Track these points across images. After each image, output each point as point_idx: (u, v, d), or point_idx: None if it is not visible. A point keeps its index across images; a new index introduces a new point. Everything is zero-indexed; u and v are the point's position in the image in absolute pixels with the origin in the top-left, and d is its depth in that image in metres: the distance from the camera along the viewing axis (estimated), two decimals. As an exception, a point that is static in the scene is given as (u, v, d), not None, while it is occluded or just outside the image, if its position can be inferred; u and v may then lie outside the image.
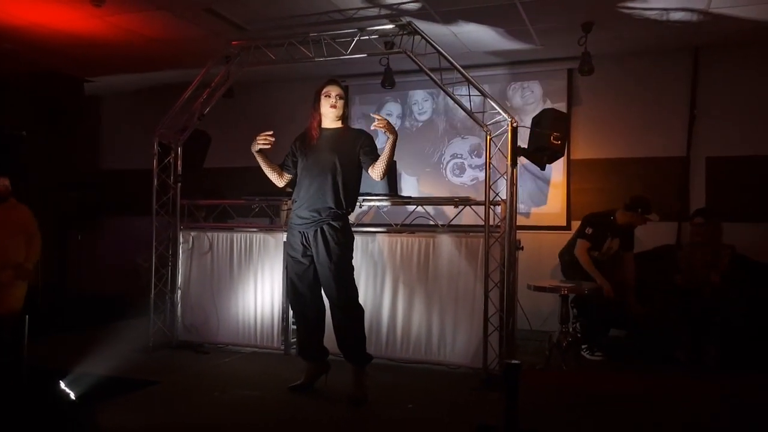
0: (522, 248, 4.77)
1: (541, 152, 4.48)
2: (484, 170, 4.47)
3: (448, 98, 4.54)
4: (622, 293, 5.01)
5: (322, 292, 3.73)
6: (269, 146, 3.72)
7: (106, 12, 5.05)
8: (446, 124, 6.63)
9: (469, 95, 4.35)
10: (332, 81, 3.77)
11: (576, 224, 6.16)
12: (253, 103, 7.13)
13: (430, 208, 4.75)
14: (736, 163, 5.74)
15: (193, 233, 5.18)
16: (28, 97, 7.03)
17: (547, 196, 6.29)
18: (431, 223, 4.65)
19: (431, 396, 3.82)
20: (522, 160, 4.93)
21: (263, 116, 7.00)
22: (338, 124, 3.77)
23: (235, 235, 5.04)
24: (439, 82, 4.38)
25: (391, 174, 4.86)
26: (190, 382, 4.08)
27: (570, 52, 5.65)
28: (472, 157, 6.53)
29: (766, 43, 5.58)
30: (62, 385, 3.66)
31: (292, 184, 3.88)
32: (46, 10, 5.08)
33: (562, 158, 5.32)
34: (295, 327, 4.31)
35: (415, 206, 4.69)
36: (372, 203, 4.75)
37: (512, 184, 4.23)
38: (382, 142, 3.68)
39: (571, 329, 4.69)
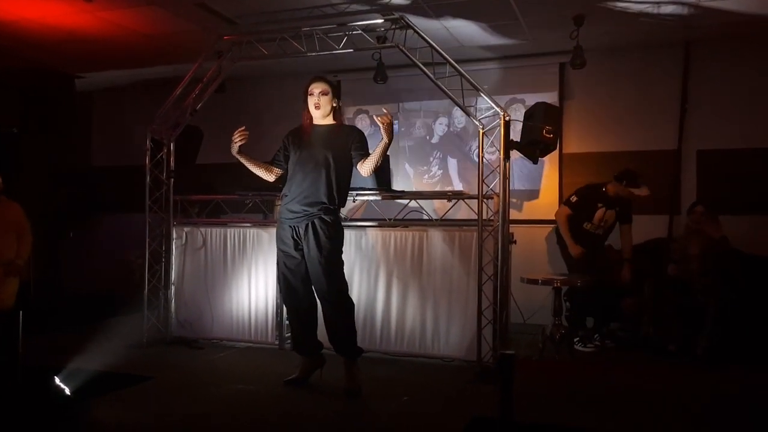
0: (515, 242, 4.80)
1: (533, 146, 4.51)
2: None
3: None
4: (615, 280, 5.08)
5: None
6: (245, 140, 3.71)
7: (97, 7, 5.02)
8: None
9: (462, 89, 4.35)
10: (316, 78, 3.75)
11: (569, 218, 6.19)
12: (246, 98, 7.11)
13: (423, 202, 4.76)
14: (727, 156, 5.77)
15: (186, 229, 5.17)
16: (19, 94, 6.98)
17: (540, 190, 6.31)
18: (425, 217, 4.67)
19: (426, 389, 3.84)
20: (515, 154, 4.94)
21: (256, 111, 7.00)
22: (330, 120, 3.77)
23: (228, 230, 5.04)
24: (431, 77, 4.38)
25: (384, 168, 4.86)
26: (185, 377, 4.08)
27: (562, 46, 5.66)
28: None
29: (756, 37, 5.61)
30: (57, 381, 3.66)
31: (283, 178, 3.88)
32: (37, 6, 5.04)
33: (554, 152, 5.36)
34: (288, 322, 4.32)
35: (408, 200, 4.69)
36: (365, 197, 4.75)
37: (505, 178, 4.25)
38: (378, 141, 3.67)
39: (564, 322, 4.73)
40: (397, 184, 6.52)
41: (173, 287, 5.16)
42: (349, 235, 4.61)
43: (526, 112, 4.55)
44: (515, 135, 4.79)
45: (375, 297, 4.57)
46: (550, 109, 4.48)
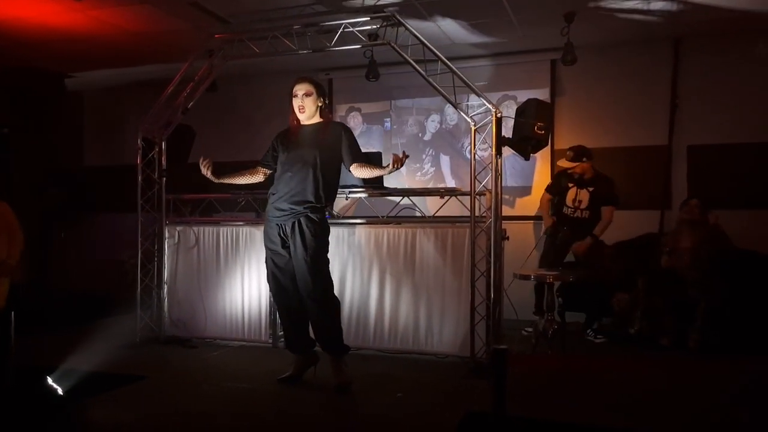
0: (507, 238, 4.81)
1: (525, 142, 4.52)
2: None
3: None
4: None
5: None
6: (210, 165, 3.87)
7: (86, 5, 4.99)
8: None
9: (453, 86, 4.36)
10: (299, 79, 3.74)
11: (561, 214, 6.22)
12: (238, 96, 7.09)
13: (416, 200, 4.77)
14: (717, 151, 5.81)
15: (178, 228, 5.16)
16: (9, 93, 6.94)
17: (532, 187, 6.33)
18: (417, 214, 4.67)
19: (420, 385, 3.85)
20: (507, 151, 4.96)
21: (248, 110, 6.98)
22: (317, 119, 3.77)
23: (221, 229, 5.03)
24: (423, 74, 4.39)
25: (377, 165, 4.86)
26: (178, 376, 4.07)
27: (553, 42, 5.68)
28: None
29: (745, 32, 5.65)
30: (50, 381, 3.64)
31: (271, 178, 3.90)
32: (26, 4, 5.01)
33: (546, 148, 5.38)
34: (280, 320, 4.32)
35: (400, 198, 4.70)
36: (357, 195, 4.76)
37: (497, 174, 4.26)
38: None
39: (557, 317, 4.75)
40: (390, 182, 6.52)
41: (166, 286, 5.15)
42: (341, 232, 4.62)
43: (517, 109, 4.56)
44: (507, 132, 4.80)
45: (368, 294, 4.57)
46: (541, 106, 4.49)
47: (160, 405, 3.50)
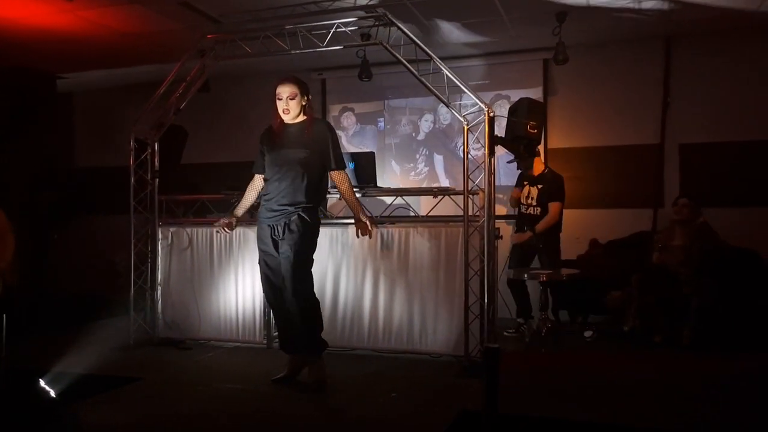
0: (501, 237, 4.83)
1: (517, 141, 4.53)
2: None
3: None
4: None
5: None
6: (229, 225, 3.98)
7: (77, 6, 4.97)
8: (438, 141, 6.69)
9: (446, 86, 4.37)
10: (283, 80, 3.69)
11: (554, 212, 6.24)
12: (230, 97, 7.08)
13: (409, 199, 4.77)
14: (709, 150, 5.84)
15: (172, 229, 5.15)
16: (0, 95, 6.90)
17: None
18: (411, 213, 4.68)
19: (414, 384, 3.85)
20: (500, 150, 4.97)
21: (240, 110, 6.96)
22: (301, 119, 3.73)
23: (214, 230, 5.01)
24: (416, 73, 4.39)
25: (370, 166, 4.87)
26: (173, 377, 4.06)
27: (545, 42, 5.69)
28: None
29: (736, 31, 5.68)
30: (43, 384, 3.63)
31: None
32: (16, 4, 4.98)
33: (539, 147, 5.39)
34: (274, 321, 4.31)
35: (394, 197, 4.70)
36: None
37: (490, 174, 4.27)
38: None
39: (551, 315, 4.77)
40: (384, 181, 6.53)
41: (159, 288, 5.13)
42: (335, 232, 4.63)
43: (510, 108, 4.58)
44: (501, 131, 4.82)
45: (362, 294, 4.58)
46: (533, 105, 4.51)
47: (154, 407, 3.49)
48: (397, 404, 3.49)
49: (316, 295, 3.76)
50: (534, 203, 5.24)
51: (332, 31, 4.56)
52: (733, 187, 5.70)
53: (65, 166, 7.81)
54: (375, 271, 4.56)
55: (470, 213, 4.33)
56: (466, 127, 4.37)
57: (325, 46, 4.61)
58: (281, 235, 3.63)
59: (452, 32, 5.68)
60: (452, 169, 6.54)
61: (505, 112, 4.76)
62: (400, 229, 4.53)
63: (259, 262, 3.81)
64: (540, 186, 5.23)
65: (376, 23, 4.48)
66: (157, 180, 5.13)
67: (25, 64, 6.71)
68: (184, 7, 4.99)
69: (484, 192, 4.29)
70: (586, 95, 6.20)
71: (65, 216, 7.26)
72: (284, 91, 3.65)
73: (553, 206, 5.17)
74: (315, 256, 4.54)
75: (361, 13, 4.66)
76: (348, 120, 6.98)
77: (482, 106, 4.28)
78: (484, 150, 4.30)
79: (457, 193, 4.47)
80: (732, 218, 5.53)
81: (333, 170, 3.73)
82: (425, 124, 6.73)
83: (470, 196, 4.34)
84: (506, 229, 5.42)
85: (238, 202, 4.03)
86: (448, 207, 4.56)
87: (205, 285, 5.02)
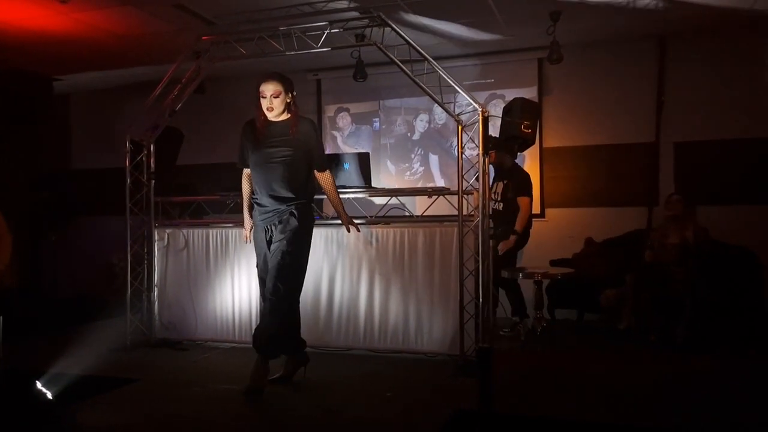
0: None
1: (512, 141, 4.55)
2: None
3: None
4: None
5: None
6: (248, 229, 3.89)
7: (72, 8, 4.98)
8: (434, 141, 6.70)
9: (440, 86, 4.38)
10: (267, 78, 3.60)
11: (550, 212, 6.30)
12: (226, 98, 7.08)
13: (405, 199, 4.79)
14: (703, 148, 5.87)
15: (168, 230, 5.16)
16: (-4, 97, 6.91)
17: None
18: (406, 213, 4.70)
19: (409, 383, 3.87)
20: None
21: (236, 111, 6.93)
22: (284, 116, 3.66)
23: (210, 231, 5.03)
24: (410, 74, 4.41)
25: (364, 166, 4.88)
26: (169, 378, 4.07)
27: (540, 41, 5.71)
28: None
29: (730, 29, 5.70)
30: (40, 385, 3.64)
31: None
32: (10, 7, 4.99)
33: (535, 147, 5.42)
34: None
35: (389, 198, 4.72)
36: (346, 195, 4.77)
37: (484, 173, 4.28)
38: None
39: (546, 314, 4.79)
40: (379, 181, 6.55)
41: (156, 289, 5.14)
42: (331, 233, 4.64)
43: (504, 108, 4.59)
44: (495, 130, 4.84)
45: (358, 294, 4.59)
46: (527, 105, 4.52)
47: (151, 407, 3.50)
48: (393, 404, 3.51)
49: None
50: (498, 198, 5.25)
51: (326, 32, 4.57)
52: (728, 185, 5.73)
53: (61, 168, 7.82)
54: (370, 271, 4.57)
55: (465, 212, 4.35)
56: (460, 127, 4.39)
57: (320, 47, 4.63)
58: (274, 234, 3.61)
59: (446, 32, 5.70)
60: (447, 169, 6.56)
61: (500, 112, 4.77)
62: (395, 229, 4.54)
63: (257, 265, 3.81)
64: (505, 181, 5.25)
65: (370, 24, 4.49)
66: (153, 181, 5.14)
67: (21, 67, 6.71)
68: (178, 9, 5.01)
69: (478, 192, 4.30)
70: (581, 94, 6.22)
71: (62, 217, 7.27)
72: (268, 89, 3.57)
73: (522, 201, 5.13)
74: (312, 256, 4.56)
75: (356, 14, 4.67)
76: (343, 120, 7.00)
77: (476, 105, 4.29)
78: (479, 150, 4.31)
79: (451, 193, 4.49)
80: (726, 216, 5.57)
81: (318, 171, 3.73)
82: (420, 124, 6.75)
83: (465, 195, 4.36)
84: (501, 228, 5.43)
85: (243, 204, 3.97)
86: (442, 207, 4.58)
87: (201, 286, 5.03)
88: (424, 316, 4.45)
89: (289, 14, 4.86)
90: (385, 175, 6.77)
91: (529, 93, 6.11)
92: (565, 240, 5.89)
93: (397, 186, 6.58)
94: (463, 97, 4.38)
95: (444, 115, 6.48)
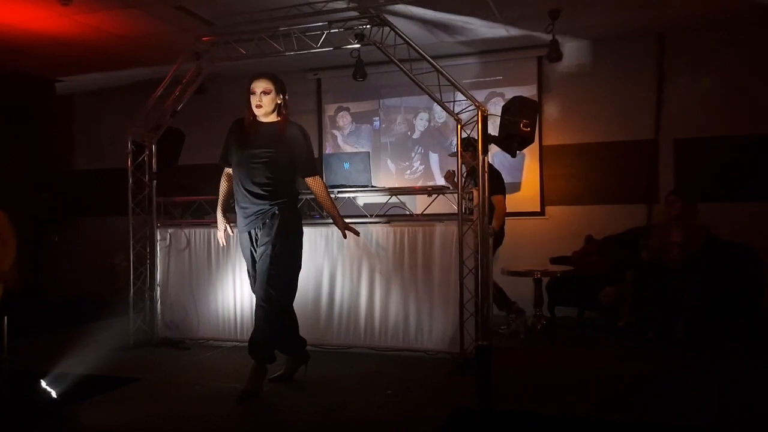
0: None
1: (511, 140, 4.56)
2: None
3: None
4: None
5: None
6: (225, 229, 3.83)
7: (73, 10, 5.01)
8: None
9: (439, 85, 4.40)
10: (258, 76, 3.56)
11: (550, 210, 6.31)
12: (226, 98, 7.11)
13: (405, 198, 4.81)
14: (703, 144, 5.88)
15: (170, 230, 5.19)
16: (-2, 99, 6.95)
17: (521, 183, 6.39)
18: (406, 212, 4.72)
19: (410, 381, 3.89)
20: (495, 148, 5.01)
21: (236, 111, 6.90)
22: (274, 117, 3.60)
23: (212, 230, 5.05)
24: (409, 74, 4.42)
25: (364, 165, 4.91)
26: (172, 377, 4.11)
27: (539, 39, 5.73)
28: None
29: (730, 25, 5.70)
30: (44, 384, 3.67)
31: None
32: (12, 10, 5.03)
33: (534, 145, 5.43)
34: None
35: (389, 196, 4.74)
36: (346, 194, 4.80)
37: (483, 172, 4.30)
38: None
39: (546, 312, 4.81)
40: (379, 180, 6.58)
41: (158, 289, 5.18)
42: (331, 232, 4.67)
43: (503, 107, 4.60)
44: (495, 128, 4.85)
45: (358, 293, 4.62)
46: (526, 103, 4.53)
47: (153, 406, 3.53)
48: (393, 401, 3.53)
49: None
50: (471, 197, 5.23)
51: (326, 32, 4.60)
52: (728, 182, 5.73)
53: (64, 169, 7.86)
54: (370, 269, 4.60)
55: (464, 211, 4.37)
56: (459, 126, 4.41)
57: (319, 47, 4.65)
58: (260, 237, 3.53)
59: (446, 31, 5.71)
60: (447, 168, 6.56)
61: (500, 110, 4.79)
62: (395, 227, 4.57)
63: (247, 271, 3.73)
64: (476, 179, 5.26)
65: (370, 24, 4.51)
66: (155, 182, 5.17)
67: (23, 68, 6.75)
68: (179, 10, 5.04)
69: (478, 190, 4.32)
70: (581, 92, 6.23)
71: (65, 218, 7.32)
72: (258, 85, 3.52)
73: (497, 200, 5.12)
74: (312, 255, 4.62)
75: (355, 14, 4.69)
76: (343, 119, 7.02)
77: (475, 104, 4.31)
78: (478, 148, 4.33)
79: (451, 192, 4.51)
80: (726, 213, 5.58)
81: (305, 177, 3.63)
82: (420, 123, 6.77)
83: (464, 194, 4.38)
84: (502, 226, 5.45)
85: (218, 203, 3.86)
86: (442, 205, 4.60)
87: (203, 285, 5.06)
88: (424, 315, 4.47)
89: (288, 14, 4.88)
90: (385, 174, 6.79)
91: (529, 91, 6.13)
92: (565, 238, 5.91)
93: (397, 185, 6.60)
94: (463, 96, 4.39)
95: (444, 113, 6.48)
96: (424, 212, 4.62)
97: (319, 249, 4.68)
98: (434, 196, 4.63)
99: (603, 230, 5.84)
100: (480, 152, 4.32)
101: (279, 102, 3.58)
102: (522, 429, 3.13)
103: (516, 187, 6.41)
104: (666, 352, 4.53)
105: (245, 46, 4.87)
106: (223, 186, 3.82)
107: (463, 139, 5.32)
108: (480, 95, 6.34)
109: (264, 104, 3.53)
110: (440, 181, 6.57)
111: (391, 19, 4.56)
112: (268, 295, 3.50)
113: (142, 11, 5.09)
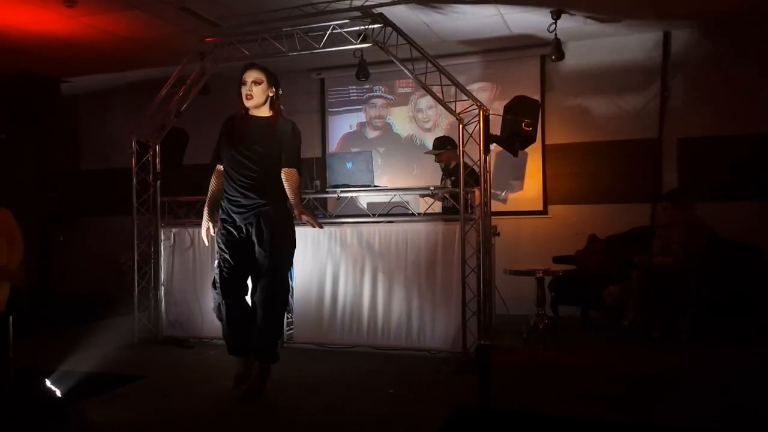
0: (498, 234, 4.87)
1: (513, 139, 4.57)
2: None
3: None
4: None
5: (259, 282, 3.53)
6: (209, 228, 3.68)
7: (79, 12, 5.05)
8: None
9: (441, 84, 4.42)
10: (249, 66, 3.49)
11: (552, 209, 6.31)
12: (231, 98, 7.08)
13: (407, 197, 4.83)
14: (706, 144, 5.85)
15: (174, 230, 5.22)
16: (5, 100, 7.00)
17: (524, 182, 6.38)
18: (409, 211, 4.74)
19: (411, 381, 3.91)
20: (498, 147, 5.01)
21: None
22: (266, 112, 3.53)
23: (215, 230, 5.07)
24: (411, 74, 4.44)
25: (367, 165, 4.92)
26: (176, 375, 4.14)
27: (542, 39, 5.73)
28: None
29: (735, 24, 5.68)
30: (50, 383, 3.71)
31: None
32: (18, 12, 5.07)
33: (537, 144, 5.44)
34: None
35: (391, 196, 4.76)
36: (349, 194, 4.82)
37: (485, 171, 4.32)
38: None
39: (549, 311, 4.81)
40: (383, 179, 6.59)
41: (163, 288, 5.21)
42: (334, 231, 4.69)
43: (505, 106, 4.61)
44: (497, 128, 4.86)
45: (361, 292, 4.63)
46: (528, 103, 4.54)
47: (158, 404, 3.57)
48: (395, 400, 3.55)
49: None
50: (447, 195, 5.23)
51: (328, 32, 4.62)
52: (732, 181, 5.71)
53: (69, 169, 7.92)
54: (373, 269, 4.61)
55: (467, 210, 4.38)
56: (461, 126, 4.42)
57: (322, 48, 4.67)
58: (253, 236, 3.46)
59: (448, 30, 5.72)
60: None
61: (501, 110, 4.80)
62: (397, 227, 4.58)
63: (218, 265, 3.58)
64: (452, 179, 5.28)
65: (373, 24, 4.53)
66: (159, 182, 5.20)
67: (29, 69, 6.80)
68: (183, 11, 5.07)
69: (480, 189, 4.33)
70: (584, 91, 6.22)
71: (70, 218, 7.37)
72: (249, 75, 3.44)
73: (474, 193, 5.13)
74: (315, 254, 4.64)
75: (357, 14, 4.71)
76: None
77: (476, 104, 4.32)
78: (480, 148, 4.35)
79: (453, 191, 4.52)
80: (730, 212, 5.55)
81: (283, 167, 3.49)
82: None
83: (466, 193, 4.39)
84: (504, 225, 5.45)
85: (206, 200, 3.75)
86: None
87: (207, 284, 5.06)
88: (426, 314, 4.49)
89: (291, 15, 4.91)
90: (387, 173, 6.80)
91: (532, 90, 6.11)
92: (569, 237, 5.90)
93: (400, 184, 6.61)
94: (465, 96, 4.41)
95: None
96: (426, 212, 4.63)
97: (322, 248, 4.71)
98: (436, 195, 4.64)
99: (606, 229, 5.83)
100: (481, 151, 4.33)
101: (271, 95, 3.51)
102: (524, 429, 3.14)
103: (519, 186, 6.41)
104: (670, 351, 4.53)
105: (249, 47, 4.90)
106: (213, 184, 3.71)
107: (438, 138, 5.42)
108: (482, 94, 6.35)
109: (255, 95, 3.45)
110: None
111: (393, 19, 4.56)
112: (272, 297, 3.50)
113: (147, 13, 5.12)
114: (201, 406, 3.52)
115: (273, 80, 3.51)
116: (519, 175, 6.39)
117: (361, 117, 6.97)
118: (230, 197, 3.51)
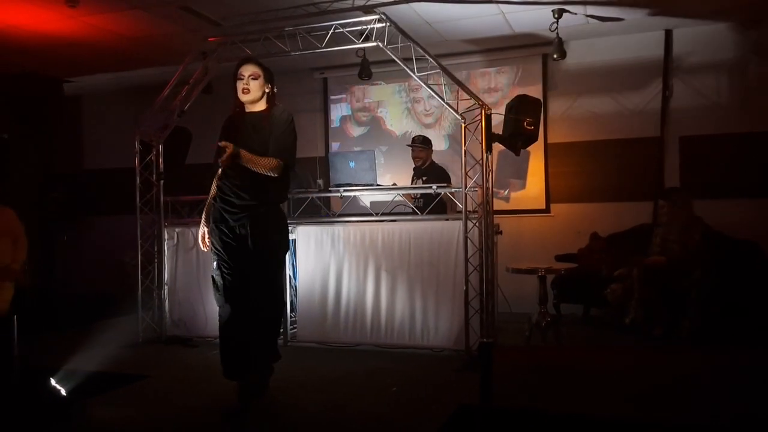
0: (500, 232, 4.87)
1: (515, 138, 4.57)
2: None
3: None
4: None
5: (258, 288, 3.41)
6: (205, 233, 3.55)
7: (81, 12, 5.06)
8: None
9: (442, 84, 4.42)
10: (245, 60, 3.42)
11: (555, 207, 6.32)
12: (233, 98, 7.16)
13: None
14: (708, 142, 5.85)
15: (177, 229, 5.24)
16: (8, 100, 7.02)
17: (527, 181, 6.39)
18: (411, 210, 4.74)
19: (415, 378, 3.92)
20: (498, 146, 5.02)
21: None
22: (262, 106, 3.43)
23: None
24: (413, 74, 4.45)
25: (370, 164, 4.93)
26: (180, 375, 4.16)
27: (544, 37, 5.73)
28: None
29: (736, 21, 5.67)
30: (53, 382, 3.73)
31: None
32: (21, 12, 5.09)
33: (540, 142, 5.44)
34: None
35: (394, 195, 4.77)
36: (352, 193, 4.83)
37: (487, 170, 4.32)
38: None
39: (552, 309, 4.81)
40: (385, 178, 6.60)
41: (166, 287, 5.23)
42: (336, 230, 4.70)
43: (507, 105, 4.62)
44: (499, 127, 4.86)
45: (364, 290, 4.65)
46: (529, 102, 4.54)
47: (161, 403, 3.59)
48: (398, 398, 3.56)
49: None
50: (418, 195, 5.22)
51: (330, 32, 4.63)
52: (734, 179, 5.71)
53: (73, 169, 7.94)
54: (376, 268, 4.63)
55: (469, 209, 4.39)
56: (463, 125, 4.43)
57: (324, 47, 4.68)
58: (246, 238, 3.34)
59: (450, 29, 5.72)
60: (454, 166, 6.58)
61: (503, 109, 4.80)
62: (400, 225, 4.60)
63: (217, 267, 3.45)
64: (424, 178, 5.28)
65: (375, 23, 4.53)
66: (162, 181, 5.22)
67: (32, 70, 6.82)
68: (185, 11, 5.08)
69: (482, 188, 4.34)
70: (586, 89, 6.22)
71: (74, 217, 7.39)
72: (246, 69, 3.35)
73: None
74: (318, 253, 4.66)
75: (360, 14, 4.72)
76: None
77: (479, 103, 4.33)
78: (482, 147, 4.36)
79: (455, 189, 4.53)
80: (732, 210, 5.56)
81: (269, 156, 3.31)
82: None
83: (468, 192, 4.40)
84: (507, 223, 5.46)
85: (206, 204, 3.61)
86: (448, 203, 4.62)
87: (210, 284, 5.07)
88: (429, 312, 4.50)
89: (293, 15, 4.92)
90: (389, 172, 6.80)
91: (534, 89, 6.12)
92: (571, 235, 5.91)
93: (403, 183, 6.61)
94: (467, 95, 4.42)
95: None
96: (429, 210, 4.64)
97: (326, 247, 4.72)
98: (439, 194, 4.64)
99: (608, 227, 5.84)
100: (483, 150, 4.34)
101: (267, 91, 3.41)
102: (526, 427, 3.15)
103: (521, 184, 6.41)
104: (673, 349, 4.53)
105: (251, 46, 4.91)
106: (213, 188, 3.56)
107: (421, 136, 5.45)
108: (484, 93, 6.35)
109: (252, 89, 3.35)
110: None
111: (395, 18, 4.58)
112: (271, 302, 3.44)
113: (149, 12, 5.13)
114: (205, 405, 3.53)
115: (269, 76, 3.43)
116: (521, 174, 6.39)
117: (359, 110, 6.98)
118: (224, 197, 3.40)
